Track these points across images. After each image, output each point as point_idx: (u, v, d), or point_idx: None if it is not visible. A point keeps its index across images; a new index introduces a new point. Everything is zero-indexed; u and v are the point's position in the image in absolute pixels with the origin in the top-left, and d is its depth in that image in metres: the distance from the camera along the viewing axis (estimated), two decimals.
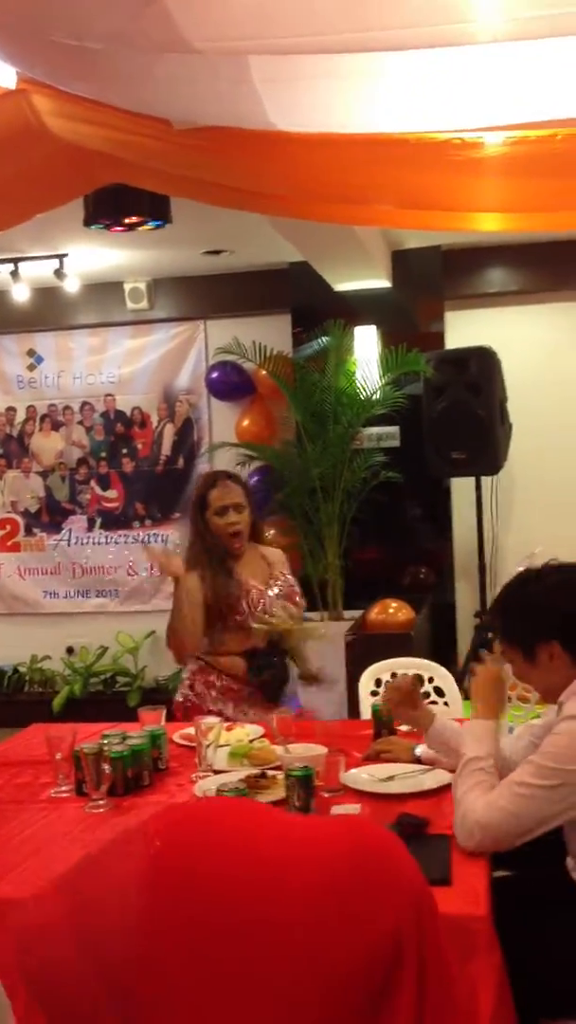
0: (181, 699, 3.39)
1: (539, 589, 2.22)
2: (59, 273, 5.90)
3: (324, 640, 3.60)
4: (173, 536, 6.97)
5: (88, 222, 4.36)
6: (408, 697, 2.58)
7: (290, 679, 3.40)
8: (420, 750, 2.62)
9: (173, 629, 3.26)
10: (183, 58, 2.07)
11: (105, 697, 6.72)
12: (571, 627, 2.16)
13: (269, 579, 3.37)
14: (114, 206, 4.25)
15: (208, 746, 2.69)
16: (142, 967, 0.86)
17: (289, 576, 3.46)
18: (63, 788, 2.61)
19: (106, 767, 2.49)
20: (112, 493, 7.09)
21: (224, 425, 6.81)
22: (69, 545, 7.12)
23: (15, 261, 5.83)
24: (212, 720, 2.75)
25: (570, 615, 2.17)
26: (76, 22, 1.90)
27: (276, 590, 3.37)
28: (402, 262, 6.18)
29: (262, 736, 3.00)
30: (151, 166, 3.10)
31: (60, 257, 5.83)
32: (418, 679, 2.77)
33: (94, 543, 7.10)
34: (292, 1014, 0.92)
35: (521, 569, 2.35)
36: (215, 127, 2.57)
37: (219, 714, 3.13)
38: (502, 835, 2.04)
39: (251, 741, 2.94)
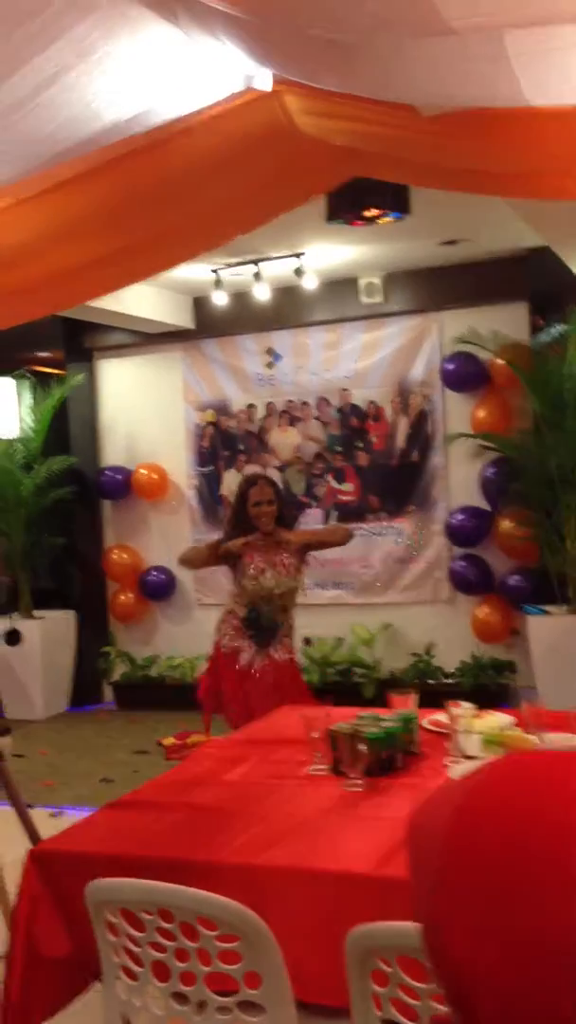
0: (217, 639, 4.48)
1: None
2: (299, 271, 6.04)
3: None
4: (407, 529, 6.98)
5: (330, 217, 4.45)
6: None
7: (280, 628, 4.39)
8: None
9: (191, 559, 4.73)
10: (438, 40, 2.07)
11: (342, 687, 6.81)
12: None
13: (276, 557, 4.36)
14: (355, 200, 4.31)
15: (461, 732, 2.69)
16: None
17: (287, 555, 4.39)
18: (320, 766, 2.68)
19: (362, 747, 2.53)
20: (347, 486, 7.19)
21: (459, 416, 6.76)
22: None
23: (256, 262, 6.03)
24: (467, 706, 2.75)
25: None
26: (337, 13, 1.94)
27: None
28: None
29: (514, 725, 2.96)
30: (396, 156, 3.11)
31: (298, 255, 5.98)
32: None
33: None
34: None
35: None
36: (464, 110, 2.55)
37: (235, 650, 4.36)
38: None
39: (501, 730, 2.91)
